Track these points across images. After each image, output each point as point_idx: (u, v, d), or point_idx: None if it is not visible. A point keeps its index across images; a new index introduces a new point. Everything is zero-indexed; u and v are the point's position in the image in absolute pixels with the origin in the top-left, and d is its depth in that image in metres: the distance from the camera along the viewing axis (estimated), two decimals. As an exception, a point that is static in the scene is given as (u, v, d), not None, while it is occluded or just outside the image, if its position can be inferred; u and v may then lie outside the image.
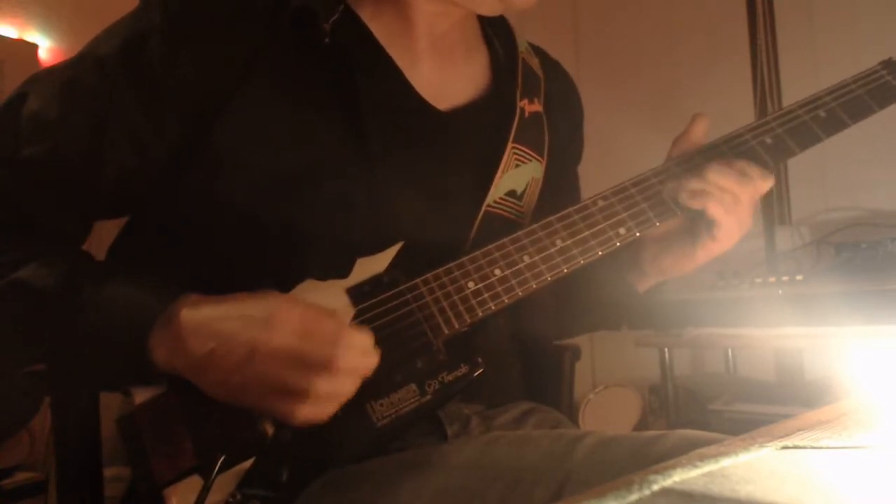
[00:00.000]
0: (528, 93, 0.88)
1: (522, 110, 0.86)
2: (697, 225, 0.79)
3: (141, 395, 0.68)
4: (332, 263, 0.71)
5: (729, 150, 0.80)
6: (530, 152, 0.87)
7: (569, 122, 0.98)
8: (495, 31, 0.91)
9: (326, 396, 0.63)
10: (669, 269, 0.84)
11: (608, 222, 0.76)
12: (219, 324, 0.64)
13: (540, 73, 0.93)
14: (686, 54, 2.45)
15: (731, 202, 0.76)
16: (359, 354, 0.64)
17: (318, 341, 0.62)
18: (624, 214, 0.76)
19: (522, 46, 0.92)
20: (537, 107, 0.89)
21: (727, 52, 2.34)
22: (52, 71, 0.76)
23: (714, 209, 0.76)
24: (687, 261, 0.82)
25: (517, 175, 0.85)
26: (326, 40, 0.76)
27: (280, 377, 0.62)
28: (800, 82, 2.07)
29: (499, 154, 0.83)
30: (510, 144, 0.84)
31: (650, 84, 2.54)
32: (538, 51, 0.97)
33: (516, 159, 0.84)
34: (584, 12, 2.80)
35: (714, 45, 2.39)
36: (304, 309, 0.64)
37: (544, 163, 0.89)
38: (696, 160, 0.79)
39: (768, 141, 0.80)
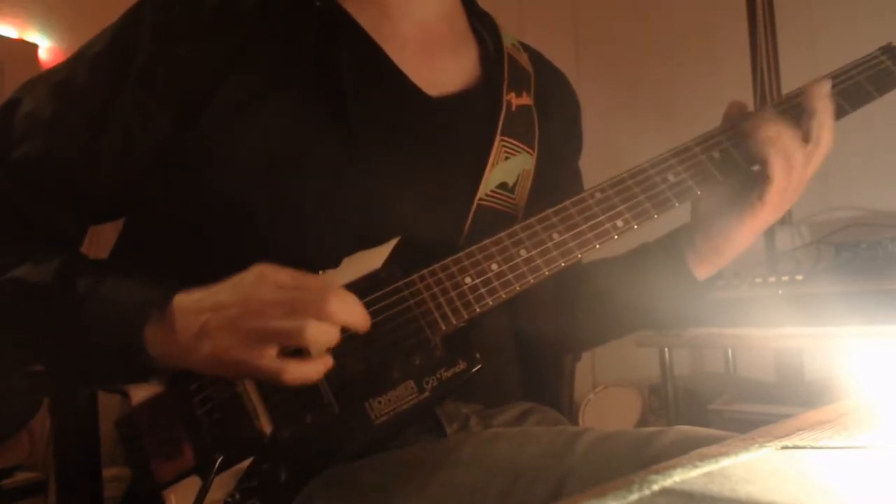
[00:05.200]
0: (516, 86, 0.89)
1: (509, 104, 0.87)
2: (745, 192, 0.77)
3: (139, 397, 0.68)
4: (327, 249, 0.72)
5: (726, 139, 0.80)
6: (519, 144, 0.87)
7: (564, 117, 0.98)
8: (483, 27, 0.92)
9: (317, 341, 0.62)
10: (722, 244, 0.81)
11: (605, 215, 0.75)
12: (209, 298, 0.65)
13: (529, 68, 0.93)
14: (686, 55, 2.45)
15: (791, 160, 0.74)
16: (348, 304, 0.65)
17: (307, 290, 0.63)
18: (621, 207, 0.76)
19: (508, 42, 0.92)
20: (526, 100, 0.90)
21: (727, 52, 2.34)
22: (46, 73, 0.78)
23: (774, 163, 0.74)
24: (737, 230, 0.79)
25: (507, 167, 0.85)
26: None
27: (272, 324, 0.62)
28: (800, 82, 2.06)
29: (487, 147, 0.83)
30: (498, 137, 0.84)
31: (650, 85, 2.54)
32: (529, 49, 0.97)
33: (505, 152, 0.85)
34: (584, 13, 2.80)
35: (714, 46, 2.39)
36: (290, 270, 0.65)
37: (535, 155, 0.89)
38: (693, 150, 0.79)
39: None
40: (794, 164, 0.75)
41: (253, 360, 0.63)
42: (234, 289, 0.64)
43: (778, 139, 0.74)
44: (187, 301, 0.66)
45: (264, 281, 0.64)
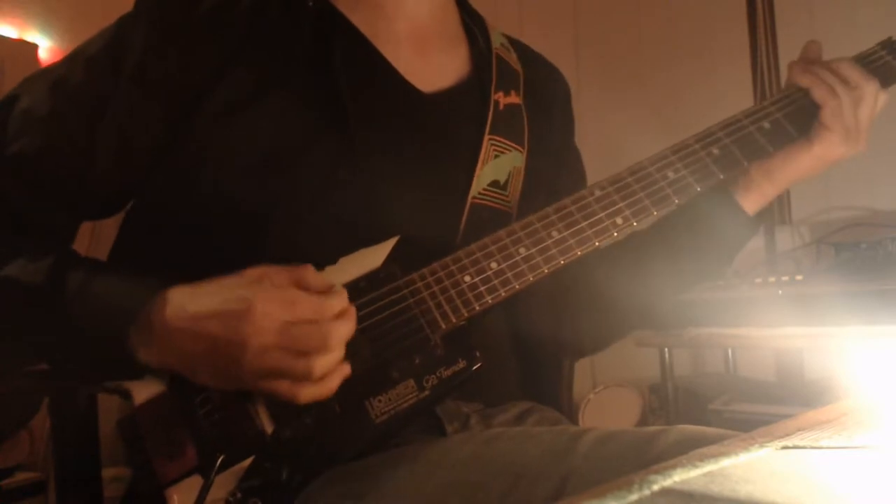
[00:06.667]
0: (504, 86, 0.89)
1: (497, 103, 0.87)
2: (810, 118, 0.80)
3: (140, 396, 0.68)
4: (323, 248, 0.72)
5: (725, 136, 0.80)
6: (509, 143, 0.87)
7: (555, 107, 0.99)
8: (474, 25, 0.93)
9: (326, 373, 0.63)
10: (779, 168, 0.81)
11: (605, 212, 0.75)
12: (202, 323, 0.64)
13: (518, 67, 0.94)
14: (686, 55, 2.45)
15: (837, 88, 0.79)
16: (350, 326, 0.65)
17: (306, 323, 0.63)
18: (621, 204, 0.76)
19: (497, 42, 0.93)
20: (515, 99, 0.90)
21: (727, 52, 2.34)
22: (43, 72, 0.78)
23: (818, 91, 0.79)
24: (800, 157, 0.81)
25: (498, 165, 0.85)
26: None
27: (278, 365, 0.62)
28: (800, 82, 2.06)
29: (477, 145, 0.84)
30: (486, 136, 0.85)
31: (650, 85, 2.54)
32: (517, 45, 0.98)
33: (495, 150, 0.85)
34: (584, 13, 2.80)
35: (714, 46, 2.39)
36: (281, 293, 0.64)
37: (525, 152, 0.90)
38: (692, 147, 0.79)
39: (766, 126, 0.80)
40: (836, 90, 0.79)
41: (262, 389, 0.65)
42: (228, 323, 0.63)
43: (818, 71, 0.81)
44: (179, 316, 0.64)
45: (258, 316, 0.62)
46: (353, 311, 0.66)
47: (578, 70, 2.52)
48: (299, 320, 0.63)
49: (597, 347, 0.97)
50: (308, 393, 0.63)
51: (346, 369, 0.66)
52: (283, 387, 0.63)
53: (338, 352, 0.64)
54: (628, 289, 0.87)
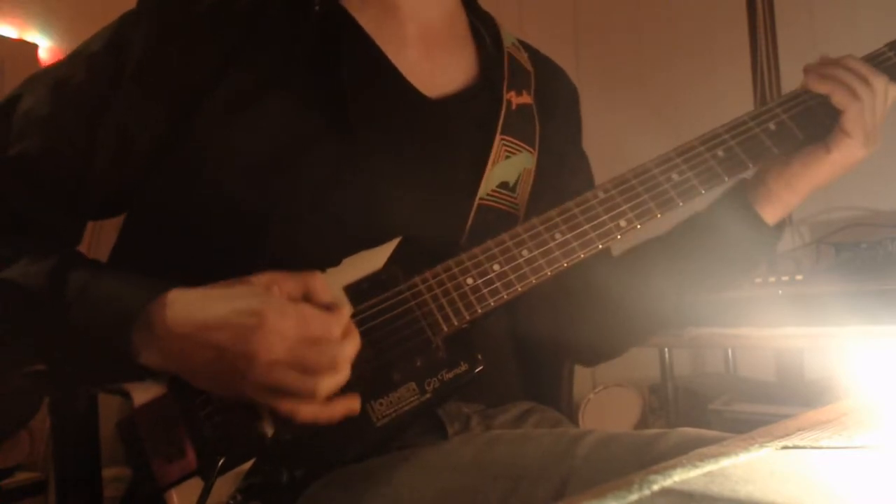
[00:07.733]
0: (516, 85, 0.89)
1: (509, 102, 0.87)
2: (828, 131, 0.80)
3: (140, 398, 0.68)
4: (326, 250, 0.72)
5: (731, 138, 0.79)
6: (520, 143, 0.87)
7: (564, 109, 0.99)
8: (483, 26, 0.92)
9: (330, 393, 0.63)
10: (798, 176, 0.81)
11: (608, 215, 0.75)
12: (210, 333, 0.63)
13: (529, 67, 0.93)
14: (686, 55, 2.45)
15: (859, 91, 0.78)
16: (350, 342, 0.65)
17: (316, 342, 0.62)
18: (625, 206, 0.75)
19: (509, 41, 0.92)
20: (526, 99, 0.90)
21: (727, 52, 2.34)
22: (45, 72, 0.78)
23: (839, 96, 0.78)
24: (819, 164, 0.80)
25: (508, 166, 0.85)
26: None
27: (284, 382, 0.62)
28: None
29: (487, 145, 0.83)
30: (498, 136, 0.84)
31: (650, 85, 2.54)
32: (527, 47, 0.97)
33: (506, 151, 0.85)
34: (584, 14, 2.80)
35: (714, 46, 2.39)
36: (293, 308, 0.63)
37: (536, 154, 0.89)
38: (697, 149, 0.79)
39: (772, 127, 0.80)
40: (858, 92, 0.78)
41: (264, 404, 0.65)
42: (238, 335, 0.62)
43: (836, 75, 0.79)
44: (184, 322, 0.64)
45: (269, 331, 0.61)
46: (356, 329, 0.66)
47: (578, 70, 2.51)
48: (310, 338, 0.62)
49: (613, 353, 0.97)
50: (309, 412, 0.63)
51: (355, 406, 0.65)
52: (284, 403, 0.63)
53: (344, 373, 0.63)
54: (646, 298, 0.87)
